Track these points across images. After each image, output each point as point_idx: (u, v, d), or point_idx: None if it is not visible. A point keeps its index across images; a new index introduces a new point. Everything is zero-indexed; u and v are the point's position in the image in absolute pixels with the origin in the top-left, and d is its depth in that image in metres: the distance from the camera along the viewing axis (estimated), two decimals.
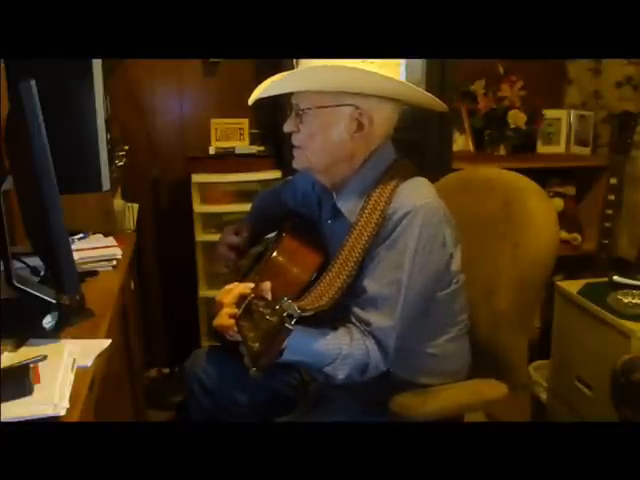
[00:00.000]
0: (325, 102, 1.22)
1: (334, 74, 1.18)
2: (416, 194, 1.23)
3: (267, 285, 1.15)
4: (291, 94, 1.26)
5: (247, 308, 1.03)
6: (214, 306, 1.42)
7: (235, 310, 1.11)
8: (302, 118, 1.24)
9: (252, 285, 1.16)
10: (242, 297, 1.12)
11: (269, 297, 1.10)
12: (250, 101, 1.28)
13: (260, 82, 1.34)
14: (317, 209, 1.43)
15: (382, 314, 1.18)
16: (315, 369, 1.18)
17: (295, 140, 1.27)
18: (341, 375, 1.16)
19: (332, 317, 1.20)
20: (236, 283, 1.21)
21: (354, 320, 1.19)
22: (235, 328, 1.08)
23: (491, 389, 1.36)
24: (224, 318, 1.16)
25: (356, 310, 1.20)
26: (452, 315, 1.34)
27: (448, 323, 1.34)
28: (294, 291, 1.22)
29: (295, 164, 1.31)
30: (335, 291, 1.17)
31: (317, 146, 1.25)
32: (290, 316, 0.98)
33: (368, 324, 1.18)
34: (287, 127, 1.27)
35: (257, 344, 0.98)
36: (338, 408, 1.30)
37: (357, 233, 1.20)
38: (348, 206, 1.27)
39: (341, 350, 1.15)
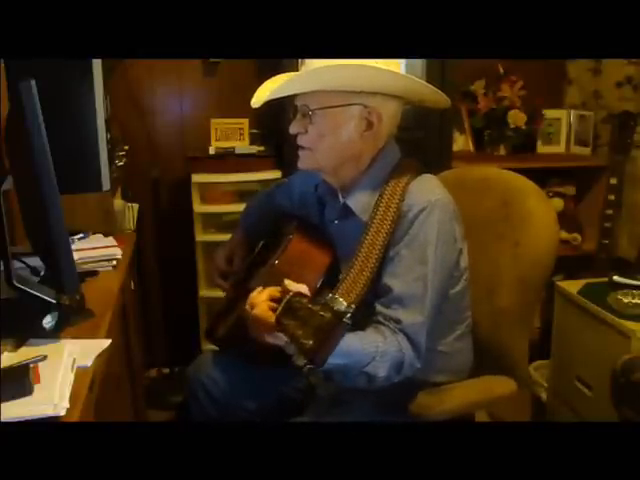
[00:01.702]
0: (334, 102, 1.22)
1: (347, 73, 1.18)
2: (428, 190, 1.24)
3: (303, 286, 1.10)
4: (294, 95, 1.26)
5: (288, 306, 0.99)
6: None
7: (275, 304, 1.06)
8: (311, 119, 1.23)
9: (279, 288, 1.11)
10: (274, 299, 1.08)
11: (308, 295, 1.06)
12: (257, 104, 1.27)
13: (260, 82, 1.34)
14: (317, 210, 1.42)
15: (411, 311, 1.17)
16: (356, 371, 1.14)
17: (302, 141, 1.27)
18: (382, 373, 1.14)
19: (357, 320, 1.19)
20: (260, 288, 1.16)
21: (382, 320, 1.18)
22: (273, 324, 1.03)
23: (501, 385, 1.37)
24: (264, 307, 1.09)
25: (383, 310, 1.19)
26: (460, 312, 1.35)
27: (457, 320, 1.34)
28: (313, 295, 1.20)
29: (301, 165, 1.30)
30: (361, 288, 1.16)
31: (326, 147, 1.25)
32: (341, 311, 0.97)
33: (398, 322, 1.17)
34: (294, 129, 1.27)
35: (310, 341, 0.95)
36: (352, 410, 1.29)
37: (374, 230, 1.20)
38: (360, 205, 1.28)
39: (377, 347, 1.13)
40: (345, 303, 0.98)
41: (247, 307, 1.14)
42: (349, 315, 0.98)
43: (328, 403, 1.36)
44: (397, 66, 1.26)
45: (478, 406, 1.42)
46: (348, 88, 1.21)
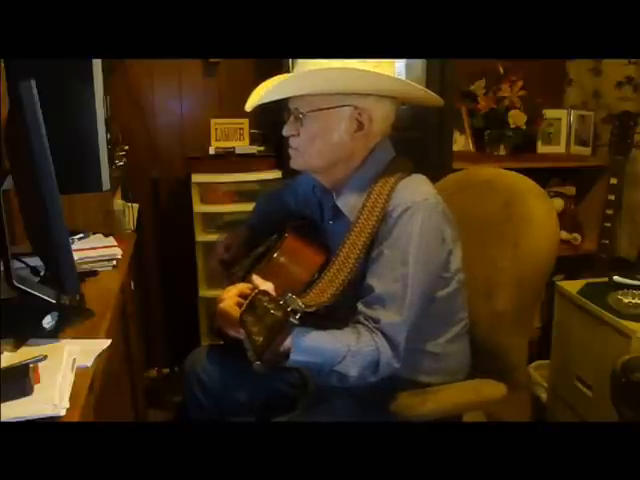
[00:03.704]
0: (325, 104, 1.23)
1: (335, 76, 1.19)
2: (415, 191, 1.24)
3: (269, 284, 1.14)
4: (288, 98, 1.27)
5: (251, 303, 1.02)
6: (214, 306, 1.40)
7: (240, 300, 1.11)
8: (303, 121, 1.24)
9: (251, 286, 1.15)
10: (243, 295, 1.13)
11: (273, 293, 1.09)
12: (249, 107, 1.28)
13: (260, 82, 1.34)
14: (318, 211, 1.43)
15: (390, 310, 1.17)
16: (326, 370, 1.16)
17: (294, 143, 1.28)
18: (353, 372, 1.14)
19: (339, 320, 1.20)
20: (235, 285, 1.22)
21: (362, 319, 1.19)
22: (236, 320, 1.07)
23: (490, 389, 1.36)
24: (230, 302, 1.16)
25: (363, 309, 1.19)
26: (452, 314, 1.35)
27: (448, 322, 1.34)
28: (296, 291, 1.22)
29: (292, 164, 1.32)
30: (336, 287, 1.17)
31: (317, 148, 1.26)
32: (294, 311, 0.98)
33: (377, 321, 1.17)
34: (287, 131, 1.28)
35: (261, 338, 0.98)
36: (339, 407, 1.30)
37: (357, 230, 1.21)
38: (348, 205, 1.28)
39: (349, 347, 1.14)
40: (301, 303, 0.99)
41: (217, 300, 1.19)
42: (299, 315, 0.99)
43: (317, 400, 1.37)
44: (390, 66, 1.26)
45: (465, 408, 1.40)
46: (336, 91, 1.22)
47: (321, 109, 1.23)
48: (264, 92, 1.23)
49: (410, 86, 1.27)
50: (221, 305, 1.18)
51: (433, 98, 1.31)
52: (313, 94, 1.23)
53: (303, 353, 1.11)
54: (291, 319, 0.98)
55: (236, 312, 1.07)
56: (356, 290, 1.21)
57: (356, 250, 1.20)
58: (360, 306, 1.20)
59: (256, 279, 1.12)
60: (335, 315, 1.19)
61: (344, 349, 1.14)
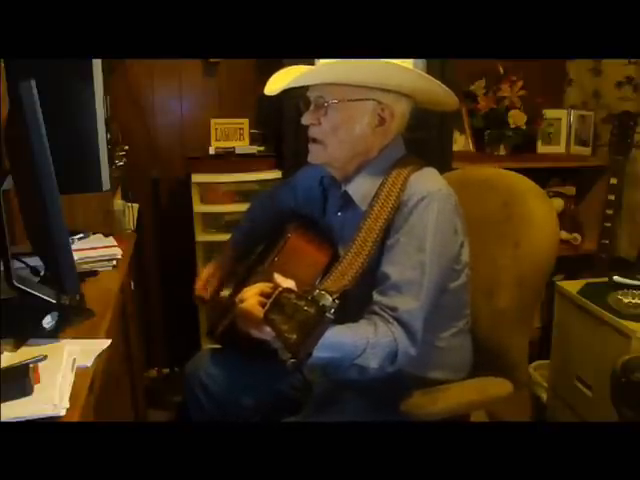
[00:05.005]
0: (350, 96, 1.24)
1: (371, 68, 1.20)
2: (429, 181, 1.26)
3: (291, 281, 1.11)
4: (306, 88, 1.27)
5: (276, 301, 1.00)
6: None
7: (264, 299, 1.07)
8: (327, 111, 1.25)
9: (271, 285, 1.12)
10: (265, 294, 1.10)
11: (296, 290, 1.06)
12: (273, 92, 1.26)
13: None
14: (321, 205, 1.43)
15: (407, 297, 1.17)
16: (347, 364, 1.15)
17: (314, 133, 1.28)
18: (373, 364, 1.14)
19: (355, 313, 1.20)
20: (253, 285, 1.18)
21: (378, 310, 1.18)
22: (261, 320, 1.04)
23: (496, 386, 1.37)
24: (252, 301, 1.10)
25: (380, 298, 1.19)
26: (459, 308, 1.35)
27: (455, 316, 1.35)
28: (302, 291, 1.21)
29: (311, 159, 1.31)
30: (356, 270, 1.17)
31: (338, 140, 1.27)
32: (325, 306, 0.97)
33: (394, 310, 1.17)
34: (307, 120, 1.28)
35: (294, 335, 0.96)
36: (346, 408, 1.30)
37: (373, 217, 1.22)
38: (359, 193, 1.29)
39: (368, 339, 1.14)
40: (330, 298, 0.98)
41: (237, 301, 1.15)
42: (333, 310, 0.98)
43: (324, 401, 1.36)
44: (409, 66, 1.27)
45: (472, 407, 1.41)
46: (369, 84, 1.23)
47: (347, 100, 1.24)
48: (300, 76, 1.21)
49: (438, 86, 1.28)
50: (242, 305, 1.12)
51: (453, 100, 1.32)
52: (339, 85, 1.23)
53: (325, 349, 1.09)
54: (327, 314, 0.97)
55: (259, 312, 1.04)
56: (372, 279, 1.21)
57: (373, 234, 1.20)
58: (376, 295, 1.20)
59: (277, 277, 1.10)
60: (347, 307, 1.18)
61: (363, 342, 1.13)
